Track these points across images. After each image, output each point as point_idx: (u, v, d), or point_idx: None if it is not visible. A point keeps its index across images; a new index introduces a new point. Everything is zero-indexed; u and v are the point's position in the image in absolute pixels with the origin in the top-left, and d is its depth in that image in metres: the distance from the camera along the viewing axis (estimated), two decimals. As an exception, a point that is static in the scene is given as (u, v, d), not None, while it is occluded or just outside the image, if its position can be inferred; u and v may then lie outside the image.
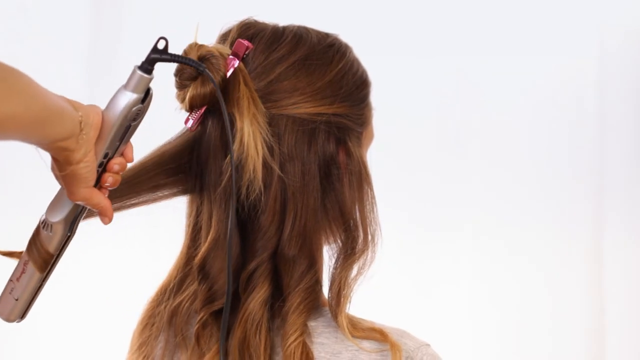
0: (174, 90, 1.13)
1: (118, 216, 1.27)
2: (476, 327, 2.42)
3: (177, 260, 1.18)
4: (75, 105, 0.97)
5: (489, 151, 2.43)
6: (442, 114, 2.43)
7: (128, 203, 1.13)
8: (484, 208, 2.43)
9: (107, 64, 2.35)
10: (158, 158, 1.14)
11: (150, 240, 2.30)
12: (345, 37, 1.19)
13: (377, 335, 1.10)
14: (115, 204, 1.11)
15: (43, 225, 1.03)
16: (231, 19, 1.16)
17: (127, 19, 2.38)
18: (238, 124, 1.07)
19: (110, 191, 1.05)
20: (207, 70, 1.05)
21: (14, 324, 1.06)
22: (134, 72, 1.00)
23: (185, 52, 1.09)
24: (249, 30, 1.14)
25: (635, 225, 2.42)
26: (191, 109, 1.11)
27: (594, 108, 2.42)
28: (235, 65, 1.08)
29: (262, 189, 1.09)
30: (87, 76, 2.36)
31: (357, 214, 1.13)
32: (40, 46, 2.35)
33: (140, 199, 1.14)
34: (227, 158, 1.08)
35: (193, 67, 1.05)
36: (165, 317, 1.17)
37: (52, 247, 1.03)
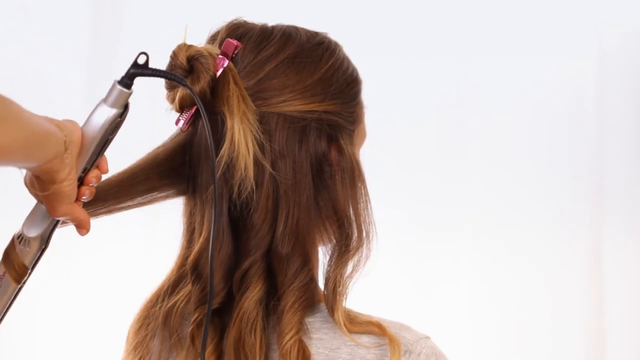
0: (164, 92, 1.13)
1: (116, 218, 1.27)
2: (476, 327, 2.42)
3: (175, 262, 1.18)
4: (59, 125, 0.97)
5: (489, 151, 2.43)
6: (442, 114, 2.43)
7: (121, 205, 1.14)
8: (484, 208, 2.43)
9: (107, 64, 2.35)
10: (152, 161, 1.14)
11: (147, 241, 2.31)
12: (345, 37, 1.19)
13: (375, 328, 1.10)
14: (109, 207, 1.12)
15: (19, 239, 1.03)
16: (230, 18, 1.16)
17: (127, 19, 2.38)
18: (228, 122, 1.07)
19: (104, 194, 1.06)
20: (189, 84, 1.05)
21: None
22: (113, 86, 1.01)
23: (174, 52, 1.10)
24: (238, 30, 1.14)
25: (635, 225, 2.42)
26: (181, 109, 1.11)
27: (594, 108, 2.42)
28: (225, 65, 1.09)
29: (254, 187, 1.09)
30: (87, 76, 2.36)
31: (351, 211, 1.13)
32: (40, 46, 2.35)
33: (134, 202, 1.14)
34: (217, 158, 1.08)
35: (175, 80, 1.06)
36: (160, 317, 1.17)
37: (27, 261, 1.04)
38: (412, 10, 2.41)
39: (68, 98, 2.34)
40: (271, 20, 1.17)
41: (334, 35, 1.17)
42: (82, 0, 2.37)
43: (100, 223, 1.56)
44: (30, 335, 2.35)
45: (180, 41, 1.10)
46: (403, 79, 2.40)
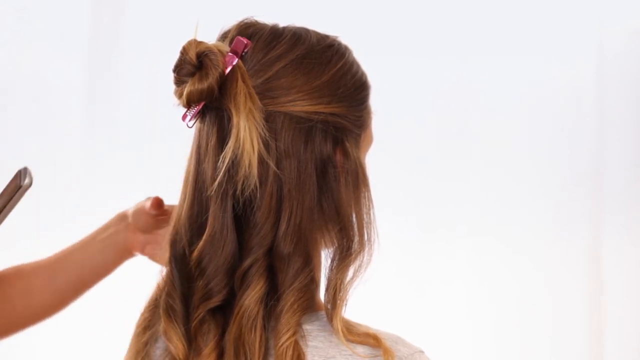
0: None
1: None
2: (475, 327, 2.43)
3: None
4: None
5: (488, 151, 2.43)
6: (441, 114, 2.43)
7: None
8: (483, 207, 2.43)
9: (107, 63, 2.36)
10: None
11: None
12: (344, 37, 1.19)
13: (371, 340, 1.10)
14: None
15: None
16: (230, 17, 1.17)
17: (127, 19, 2.38)
18: (234, 119, 1.08)
19: None
20: None
21: None
22: None
23: (184, 48, 1.10)
24: (249, 29, 1.14)
25: (635, 225, 2.42)
26: (188, 104, 1.12)
27: (594, 108, 2.42)
28: (234, 63, 1.09)
29: (258, 185, 1.09)
30: (87, 76, 2.37)
31: (354, 214, 1.13)
32: (40, 46, 2.36)
33: None
34: (222, 154, 1.09)
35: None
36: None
37: None
38: (412, 11, 2.41)
39: (68, 98, 2.34)
40: (267, 20, 1.17)
41: (331, 35, 1.18)
42: (82, 0, 2.38)
43: (100, 224, 1.56)
44: (31, 333, 2.34)
45: (177, 38, 1.11)
46: (402, 79, 2.40)
